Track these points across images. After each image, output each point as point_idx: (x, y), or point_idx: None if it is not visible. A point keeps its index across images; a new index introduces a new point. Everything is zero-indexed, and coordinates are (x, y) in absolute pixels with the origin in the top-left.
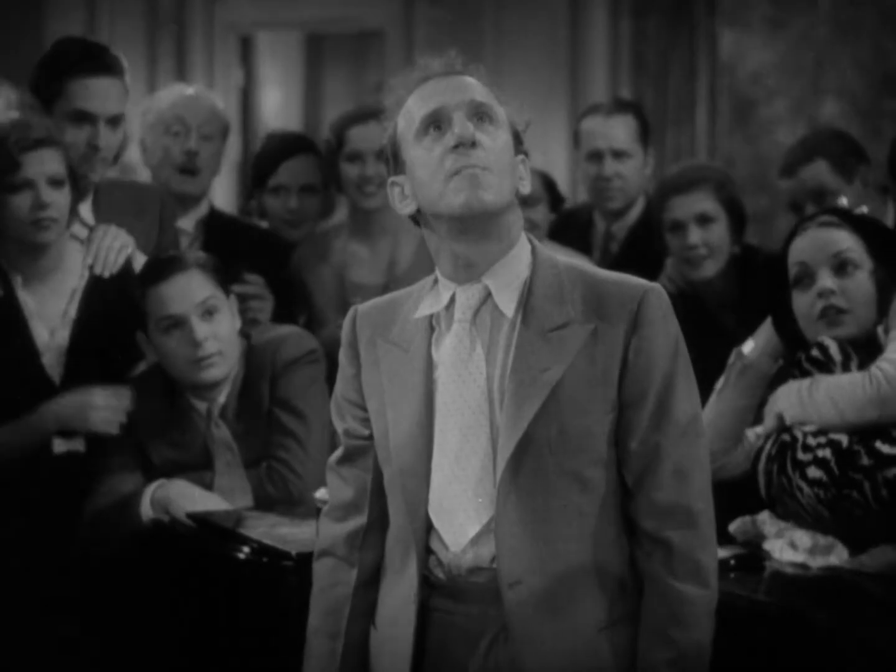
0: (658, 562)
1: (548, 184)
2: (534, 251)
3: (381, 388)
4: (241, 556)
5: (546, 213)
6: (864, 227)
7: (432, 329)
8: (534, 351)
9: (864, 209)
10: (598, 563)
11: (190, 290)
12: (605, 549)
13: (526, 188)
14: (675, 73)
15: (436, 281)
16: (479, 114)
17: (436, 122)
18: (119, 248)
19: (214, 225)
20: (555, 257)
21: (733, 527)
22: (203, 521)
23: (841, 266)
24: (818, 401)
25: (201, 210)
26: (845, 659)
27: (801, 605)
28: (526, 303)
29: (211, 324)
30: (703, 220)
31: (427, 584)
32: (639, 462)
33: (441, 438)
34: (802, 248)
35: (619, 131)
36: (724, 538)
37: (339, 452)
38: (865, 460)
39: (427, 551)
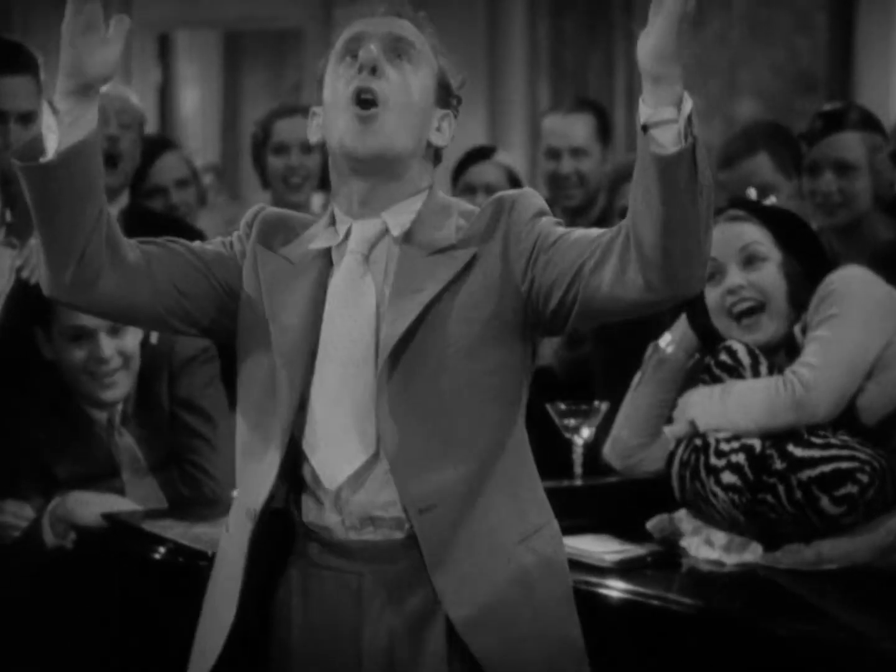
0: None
1: (512, 179)
2: (431, 191)
3: (258, 291)
4: (158, 556)
5: None
6: (772, 219)
7: (331, 264)
8: (412, 272)
9: (773, 199)
10: (507, 474)
11: None
12: (512, 456)
13: (441, 141)
14: (593, 73)
15: (332, 216)
16: (397, 49)
17: (353, 51)
18: None
19: (136, 215)
20: (452, 200)
21: (651, 524)
22: (117, 522)
23: (749, 260)
24: (730, 408)
25: (122, 202)
26: (760, 654)
27: (716, 601)
28: (410, 229)
29: (118, 339)
30: None
31: (309, 535)
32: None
33: (321, 373)
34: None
35: (577, 129)
36: (642, 535)
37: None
38: (778, 464)
39: (299, 489)
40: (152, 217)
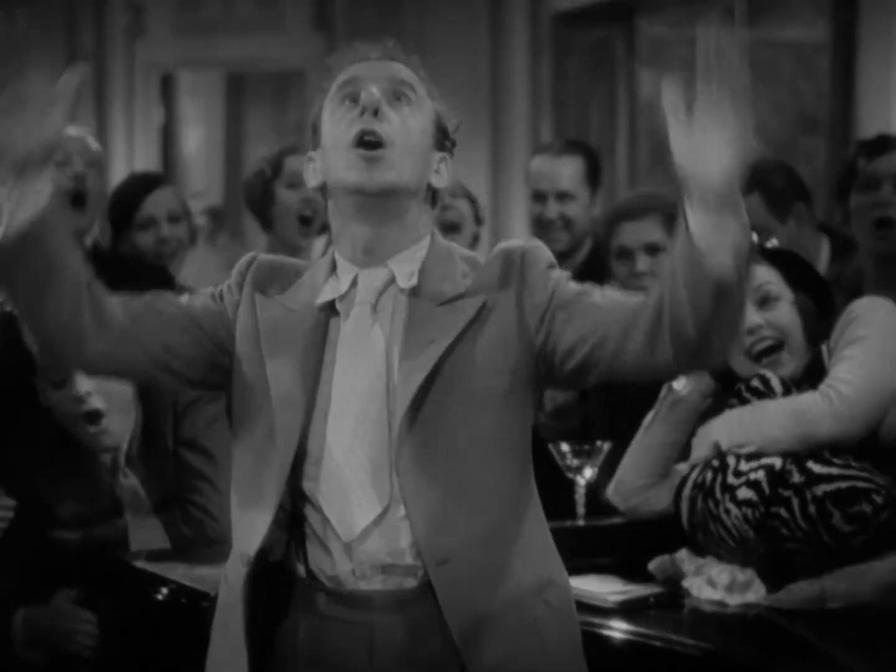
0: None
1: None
2: (433, 238)
3: (256, 337)
4: (160, 597)
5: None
6: (778, 259)
7: (333, 312)
8: (423, 323)
9: (774, 241)
10: (522, 525)
11: None
12: (526, 507)
13: (441, 183)
14: (595, 113)
15: (333, 264)
16: (397, 93)
17: (351, 94)
18: None
19: (99, 258)
20: (452, 245)
21: (652, 565)
22: (122, 563)
23: (763, 300)
24: (763, 421)
25: (85, 245)
26: None
27: (719, 642)
28: (419, 280)
29: (95, 378)
30: (652, 249)
31: (314, 585)
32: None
33: (333, 425)
34: None
35: (564, 172)
36: (644, 576)
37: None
38: (796, 478)
39: (302, 540)
40: (121, 262)
